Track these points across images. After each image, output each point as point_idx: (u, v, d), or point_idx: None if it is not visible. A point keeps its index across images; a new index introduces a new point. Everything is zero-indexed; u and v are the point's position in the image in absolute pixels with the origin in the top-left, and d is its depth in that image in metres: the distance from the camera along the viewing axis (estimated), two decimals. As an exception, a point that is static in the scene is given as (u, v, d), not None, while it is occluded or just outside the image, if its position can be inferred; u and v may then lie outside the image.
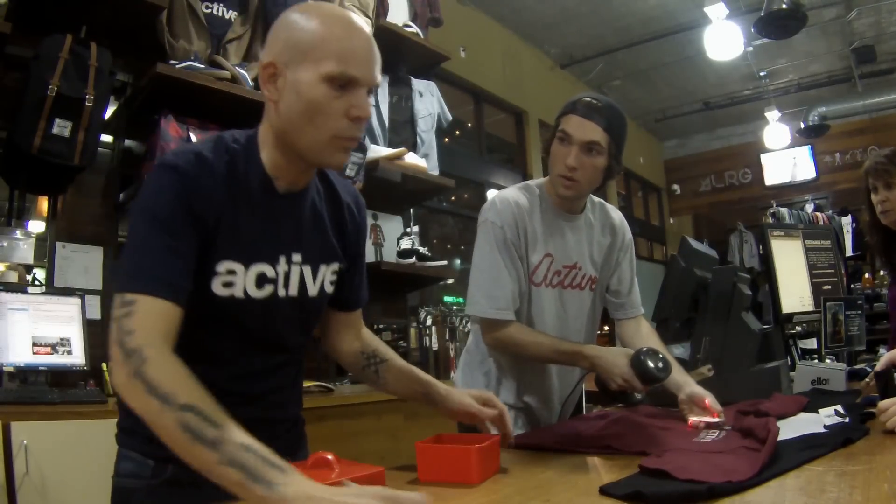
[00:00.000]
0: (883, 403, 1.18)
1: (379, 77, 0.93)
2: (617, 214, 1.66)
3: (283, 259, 0.97)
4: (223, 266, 0.91)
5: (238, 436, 0.71)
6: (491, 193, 5.62)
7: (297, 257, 0.99)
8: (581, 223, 1.58)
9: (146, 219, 0.85)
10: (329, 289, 1.06)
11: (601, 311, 1.68)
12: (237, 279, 0.92)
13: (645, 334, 1.62)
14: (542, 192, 1.55)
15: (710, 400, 1.33)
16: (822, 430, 1.18)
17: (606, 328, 1.80)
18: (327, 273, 1.05)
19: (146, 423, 0.74)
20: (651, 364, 1.26)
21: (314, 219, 1.02)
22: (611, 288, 1.66)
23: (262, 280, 0.95)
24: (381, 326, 3.39)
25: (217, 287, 0.91)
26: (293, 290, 0.99)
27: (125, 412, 1.00)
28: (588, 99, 1.46)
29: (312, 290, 1.02)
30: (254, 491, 0.66)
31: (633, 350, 1.32)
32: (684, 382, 1.39)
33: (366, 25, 0.95)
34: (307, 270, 1.01)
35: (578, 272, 1.57)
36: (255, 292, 0.94)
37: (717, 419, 1.29)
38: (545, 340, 1.45)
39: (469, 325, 4.44)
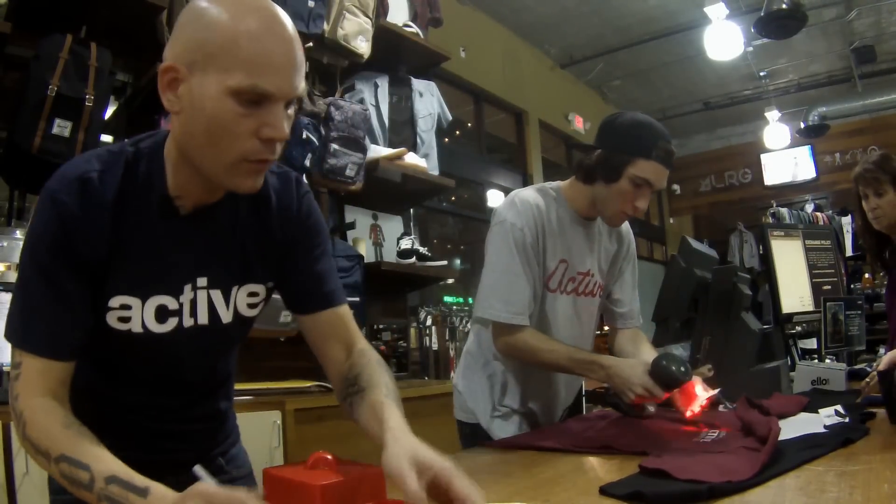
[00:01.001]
0: None
1: (301, 86, 0.77)
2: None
3: (187, 288, 0.86)
4: (116, 301, 0.83)
5: (104, 468, 0.71)
6: (491, 193, 5.64)
7: (202, 281, 0.87)
8: (595, 230, 1.56)
9: (30, 265, 0.79)
10: (248, 312, 0.94)
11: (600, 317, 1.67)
12: (133, 314, 0.84)
13: (644, 345, 1.59)
14: (558, 196, 1.51)
15: (700, 386, 1.32)
16: (823, 430, 1.18)
17: (606, 328, 1.78)
18: (240, 295, 0.92)
19: (147, 462, 0.76)
20: (674, 368, 1.24)
21: (228, 236, 0.89)
22: (612, 296, 1.64)
23: (162, 313, 0.85)
24: (381, 326, 3.39)
25: (112, 321, 0.84)
26: (202, 318, 0.89)
27: None
28: (669, 146, 1.40)
29: (226, 316, 0.91)
30: None
31: (645, 359, 1.31)
32: None
33: (287, 21, 0.77)
34: (216, 294, 0.89)
35: (591, 279, 1.55)
36: (155, 327, 0.85)
37: (712, 392, 1.30)
38: (560, 348, 1.41)
39: (469, 324, 4.44)
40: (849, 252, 5.76)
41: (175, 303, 0.86)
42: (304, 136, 2.67)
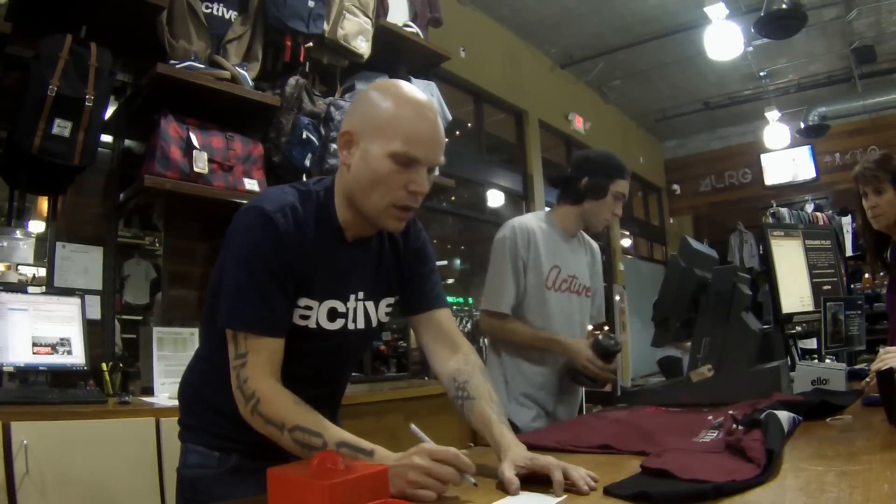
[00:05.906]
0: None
1: (441, 158, 1.04)
2: (593, 241, 2.12)
3: (352, 297, 1.12)
4: (301, 301, 1.06)
5: (334, 436, 0.92)
6: (491, 193, 5.66)
7: (361, 294, 1.13)
8: (575, 245, 2.01)
9: (245, 266, 0.99)
10: (385, 318, 1.21)
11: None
12: (312, 313, 1.07)
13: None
14: (547, 219, 1.98)
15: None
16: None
17: (607, 327, 1.96)
18: (382, 305, 1.19)
19: (274, 442, 0.95)
20: (605, 341, 1.76)
21: (377, 262, 1.16)
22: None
23: (333, 314, 1.10)
24: (381, 326, 3.39)
25: (295, 318, 1.06)
26: (360, 323, 1.14)
27: (187, 411, 1.17)
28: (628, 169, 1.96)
29: (374, 320, 1.17)
30: None
31: (587, 340, 1.81)
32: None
33: (435, 109, 1.05)
34: (370, 305, 1.15)
35: (577, 281, 1.98)
36: (327, 324, 1.09)
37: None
38: (527, 330, 1.87)
39: (469, 325, 4.44)
40: (849, 252, 5.76)
41: (343, 307, 1.11)
42: (304, 136, 2.67)
